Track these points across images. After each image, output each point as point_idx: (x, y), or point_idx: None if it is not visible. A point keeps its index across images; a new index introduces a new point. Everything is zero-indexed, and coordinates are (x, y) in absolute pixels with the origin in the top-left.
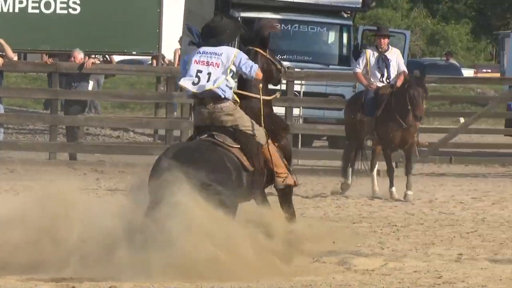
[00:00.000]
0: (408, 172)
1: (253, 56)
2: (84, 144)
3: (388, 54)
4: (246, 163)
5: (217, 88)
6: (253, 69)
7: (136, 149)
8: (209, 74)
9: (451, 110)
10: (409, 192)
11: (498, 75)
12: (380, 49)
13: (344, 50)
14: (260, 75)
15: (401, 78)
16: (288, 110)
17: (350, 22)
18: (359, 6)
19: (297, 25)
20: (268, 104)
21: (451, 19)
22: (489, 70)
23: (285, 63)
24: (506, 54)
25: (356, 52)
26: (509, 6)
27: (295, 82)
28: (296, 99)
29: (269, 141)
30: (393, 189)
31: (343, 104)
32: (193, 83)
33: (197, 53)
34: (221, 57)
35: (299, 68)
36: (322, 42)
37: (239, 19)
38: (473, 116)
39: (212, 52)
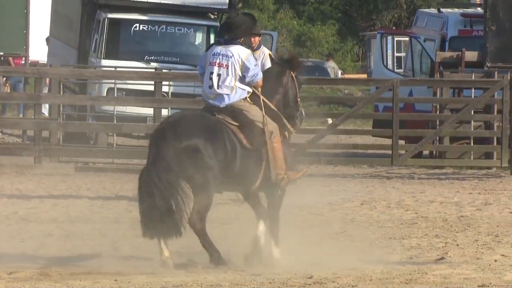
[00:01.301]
0: None
1: (284, 71)
2: None
3: (255, 54)
4: (244, 140)
5: (233, 93)
6: (257, 77)
7: (5, 149)
8: (218, 75)
9: (319, 111)
10: None
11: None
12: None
13: None
14: (260, 84)
15: None
16: (157, 111)
17: (217, 23)
18: (226, 7)
19: (164, 26)
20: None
21: (317, 21)
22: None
23: (153, 64)
24: (373, 55)
25: None
26: (375, 7)
27: (163, 83)
28: (164, 100)
29: (278, 138)
30: None
31: None
32: (210, 87)
33: (212, 54)
34: (231, 59)
35: (166, 69)
36: (189, 43)
37: (106, 20)
38: (341, 117)
39: (224, 54)
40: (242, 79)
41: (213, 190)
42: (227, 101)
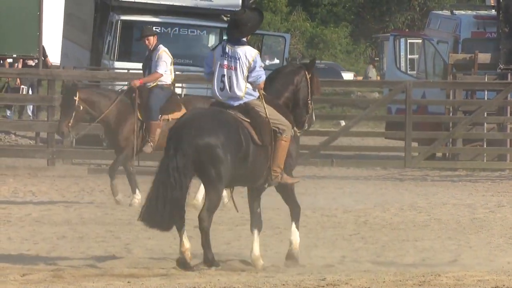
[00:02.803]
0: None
1: (297, 71)
2: None
3: (153, 53)
4: (256, 136)
5: (244, 96)
6: (260, 79)
7: (18, 152)
8: (229, 78)
9: (332, 113)
10: (135, 199)
11: None
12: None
13: None
14: (262, 86)
15: (140, 80)
16: None
17: None
18: (238, 9)
19: (177, 28)
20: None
21: (330, 23)
22: None
23: None
24: (386, 57)
25: None
26: (387, 9)
27: (176, 85)
28: None
29: (288, 138)
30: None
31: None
32: (221, 89)
33: (221, 55)
34: (239, 61)
35: (179, 71)
36: (202, 45)
37: (118, 22)
38: (354, 119)
39: (232, 56)
40: (247, 80)
41: (223, 188)
42: (239, 102)
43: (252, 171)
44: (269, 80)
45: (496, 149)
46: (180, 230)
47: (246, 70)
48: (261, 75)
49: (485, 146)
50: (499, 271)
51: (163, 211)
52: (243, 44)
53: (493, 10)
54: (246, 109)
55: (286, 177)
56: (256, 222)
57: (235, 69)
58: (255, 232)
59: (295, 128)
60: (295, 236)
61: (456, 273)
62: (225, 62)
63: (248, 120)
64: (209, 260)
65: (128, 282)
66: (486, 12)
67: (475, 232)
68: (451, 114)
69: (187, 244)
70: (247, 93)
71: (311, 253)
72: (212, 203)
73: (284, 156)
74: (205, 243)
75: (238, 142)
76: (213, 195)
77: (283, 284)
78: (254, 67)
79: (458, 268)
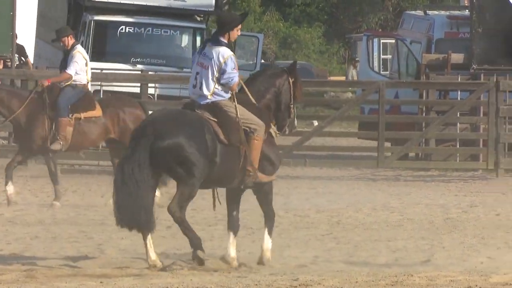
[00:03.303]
0: (54, 182)
1: (280, 74)
2: None
3: (69, 52)
4: (222, 136)
5: (211, 96)
6: (232, 81)
7: None
8: (201, 76)
9: (305, 113)
10: (55, 202)
11: None
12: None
13: None
14: (235, 88)
15: (48, 80)
16: None
17: (203, 26)
18: (212, 9)
19: (150, 28)
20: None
21: (304, 23)
22: None
23: (139, 66)
24: (359, 57)
25: None
26: (360, 10)
27: (149, 85)
28: (150, 102)
29: (261, 137)
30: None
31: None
32: (194, 86)
33: (199, 53)
34: (211, 60)
35: (152, 71)
36: (176, 45)
37: (92, 22)
38: (327, 119)
39: (206, 55)
40: (218, 81)
41: (198, 183)
42: (206, 101)
43: (223, 171)
44: (250, 81)
45: (469, 149)
46: (146, 238)
47: (217, 71)
48: (233, 78)
49: (458, 146)
50: (472, 271)
51: (125, 213)
52: (220, 44)
53: (467, 10)
54: (214, 108)
55: (261, 175)
56: (232, 224)
57: (207, 68)
58: (231, 234)
59: (274, 129)
60: (267, 243)
61: (429, 273)
62: (201, 60)
63: (215, 120)
64: (195, 245)
65: (101, 282)
66: (459, 12)
67: (448, 232)
68: (424, 114)
69: (153, 255)
70: (215, 93)
71: (284, 253)
72: (182, 197)
73: (258, 155)
74: (186, 230)
75: (202, 141)
76: (184, 189)
77: (256, 284)
78: (225, 69)
79: (431, 268)
